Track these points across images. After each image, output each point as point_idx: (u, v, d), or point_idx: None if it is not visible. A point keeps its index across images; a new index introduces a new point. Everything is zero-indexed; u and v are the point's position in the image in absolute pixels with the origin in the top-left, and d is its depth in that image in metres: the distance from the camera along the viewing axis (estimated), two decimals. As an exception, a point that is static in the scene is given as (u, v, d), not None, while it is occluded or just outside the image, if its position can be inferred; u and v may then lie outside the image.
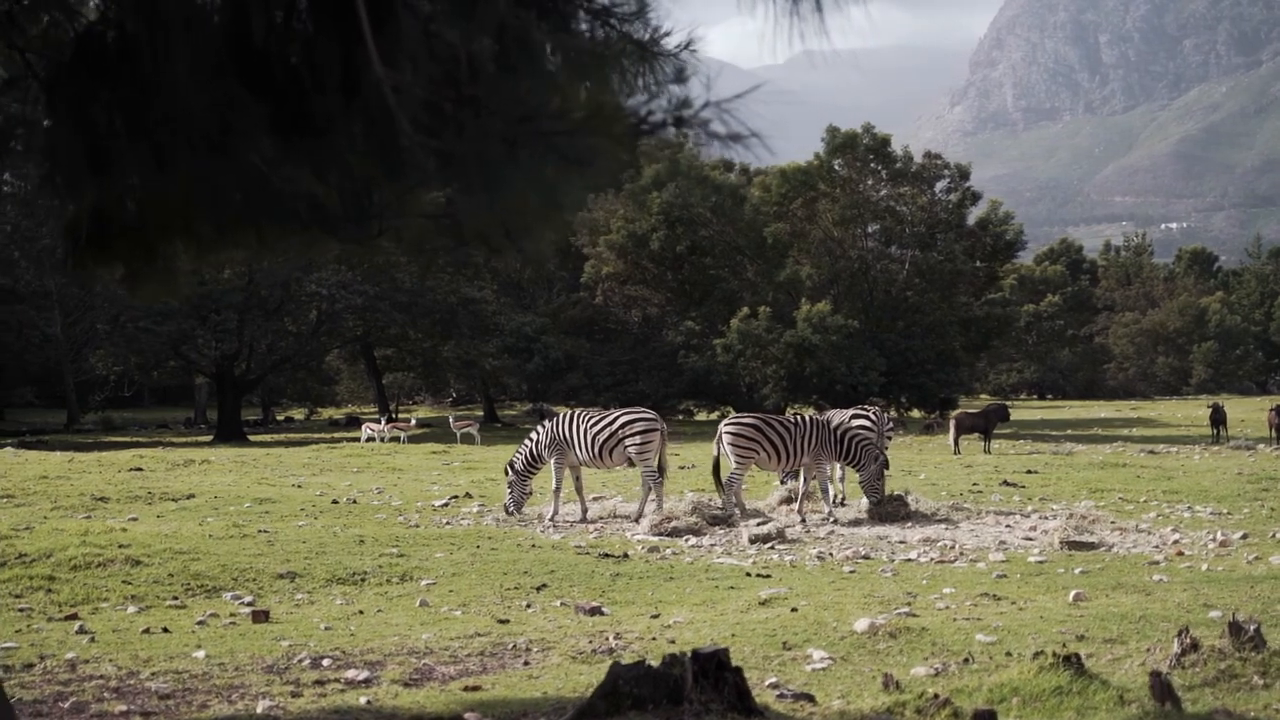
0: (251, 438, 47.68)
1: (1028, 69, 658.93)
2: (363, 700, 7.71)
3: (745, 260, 55.61)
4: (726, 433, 18.78)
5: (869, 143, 54.07)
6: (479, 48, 3.90)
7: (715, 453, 19.17)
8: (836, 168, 54.60)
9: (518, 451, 18.94)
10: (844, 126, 55.14)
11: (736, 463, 18.51)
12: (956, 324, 53.70)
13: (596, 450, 18.48)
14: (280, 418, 69.24)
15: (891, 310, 53.84)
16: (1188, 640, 7.76)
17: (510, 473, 18.70)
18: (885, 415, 23.06)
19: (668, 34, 5.07)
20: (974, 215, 56.30)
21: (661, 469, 18.67)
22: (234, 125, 4.15)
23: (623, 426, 18.50)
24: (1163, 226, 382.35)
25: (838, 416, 20.99)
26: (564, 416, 19.17)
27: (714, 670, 6.73)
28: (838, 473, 20.56)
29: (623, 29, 5.05)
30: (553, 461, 18.64)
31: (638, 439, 18.38)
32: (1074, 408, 75.27)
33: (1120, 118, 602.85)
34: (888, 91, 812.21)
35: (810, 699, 7.45)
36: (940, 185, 55.66)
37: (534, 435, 18.99)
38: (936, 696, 6.96)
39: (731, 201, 54.45)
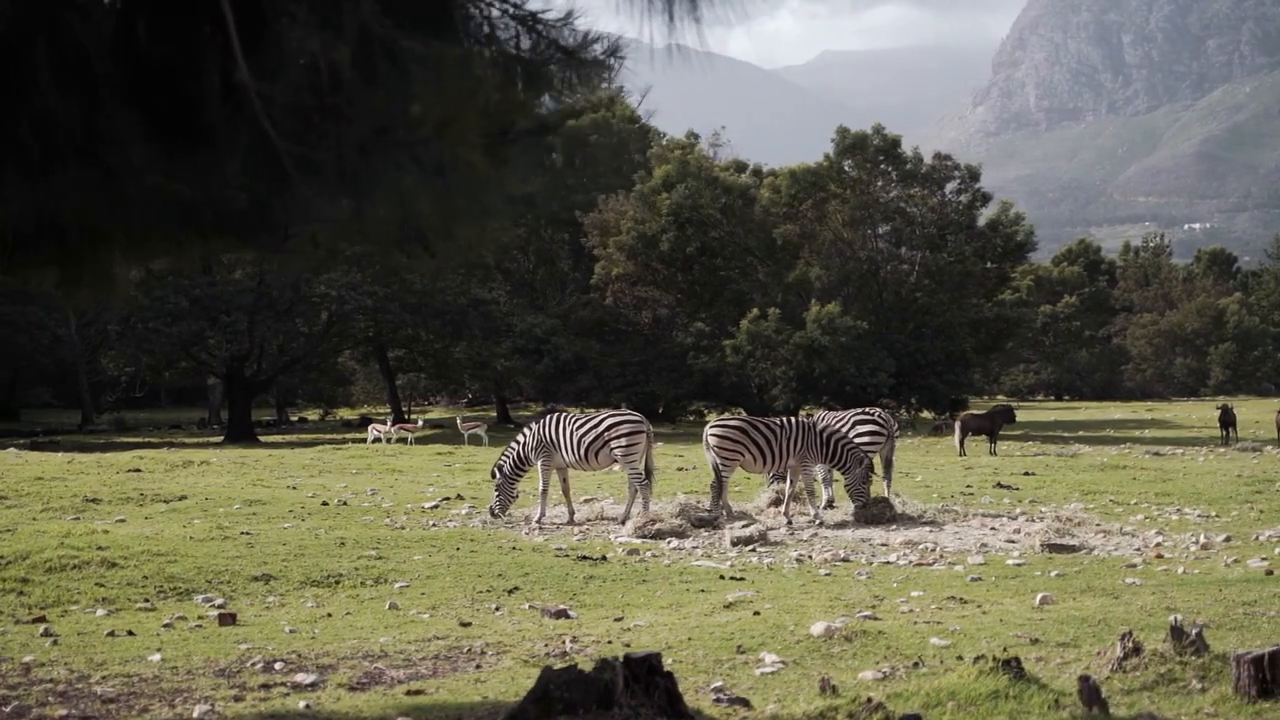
0: (262, 438, 47.82)
1: (1050, 69, 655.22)
2: (302, 705, 7.73)
3: (755, 261, 55.49)
4: (712, 436, 18.75)
5: (879, 144, 53.93)
6: (338, 56, 3.91)
7: (709, 459, 19.07)
8: (846, 169, 54.51)
9: (504, 454, 18.95)
10: (867, 127, 54.96)
11: (722, 465, 18.47)
12: (966, 325, 53.48)
13: (582, 452, 18.48)
14: (294, 418, 69.44)
15: (901, 311, 53.70)
16: (1130, 644, 7.72)
17: (498, 475, 18.71)
18: (893, 419, 22.88)
19: (596, 40, 5.09)
20: (984, 216, 56.03)
21: (649, 471, 18.66)
22: (103, 132, 4.17)
23: (608, 429, 18.50)
24: (1186, 227, 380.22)
25: (829, 416, 20.93)
26: (551, 419, 19.19)
27: (645, 675, 6.72)
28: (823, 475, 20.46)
29: (550, 35, 5.07)
30: (540, 464, 18.65)
31: (623, 441, 18.37)
32: (1090, 409, 74.93)
33: (1143, 118, 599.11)
34: (910, 92, 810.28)
35: (746, 704, 7.43)
36: (950, 186, 55.44)
37: (521, 438, 19.02)
38: (870, 701, 6.93)
39: (741, 202, 54.30)
